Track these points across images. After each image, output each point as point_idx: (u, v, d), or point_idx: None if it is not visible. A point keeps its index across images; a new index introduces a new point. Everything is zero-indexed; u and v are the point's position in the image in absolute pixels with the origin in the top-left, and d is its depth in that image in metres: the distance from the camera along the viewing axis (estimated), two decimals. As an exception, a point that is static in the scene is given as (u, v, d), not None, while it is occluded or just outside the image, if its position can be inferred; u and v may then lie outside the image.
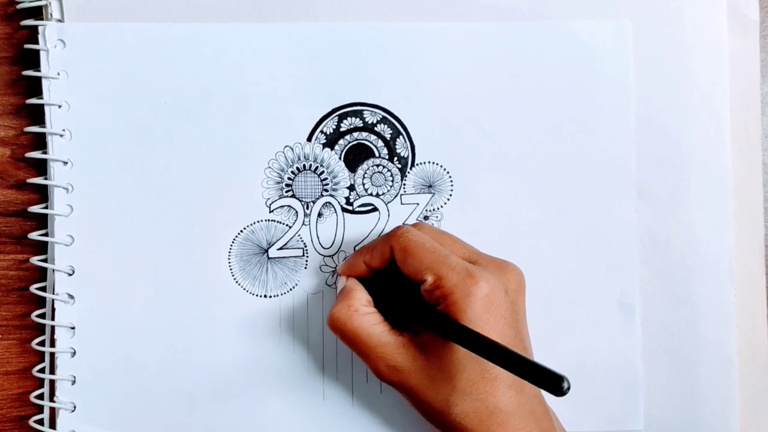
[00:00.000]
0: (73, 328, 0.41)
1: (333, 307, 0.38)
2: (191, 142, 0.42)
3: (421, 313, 0.36)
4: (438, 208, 0.43)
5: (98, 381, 0.41)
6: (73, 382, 0.41)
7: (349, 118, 0.42)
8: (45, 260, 0.42)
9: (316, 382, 0.42)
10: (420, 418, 0.37)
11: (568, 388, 0.30)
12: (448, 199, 0.43)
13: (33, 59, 0.41)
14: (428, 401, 0.36)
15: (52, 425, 0.42)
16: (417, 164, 0.43)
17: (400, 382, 0.36)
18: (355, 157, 0.42)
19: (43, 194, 0.42)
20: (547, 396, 0.40)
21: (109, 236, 0.41)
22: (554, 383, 0.30)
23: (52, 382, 0.42)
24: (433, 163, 0.43)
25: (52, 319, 0.41)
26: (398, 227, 0.38)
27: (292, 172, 0.42)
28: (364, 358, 0.37)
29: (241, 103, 0.42)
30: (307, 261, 0.42)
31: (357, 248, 0.42)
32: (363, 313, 0.37)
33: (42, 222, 0.42)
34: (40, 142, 0.42)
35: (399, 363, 0.36)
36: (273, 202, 0.42)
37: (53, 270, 0.41)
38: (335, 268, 0.42)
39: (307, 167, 0.42)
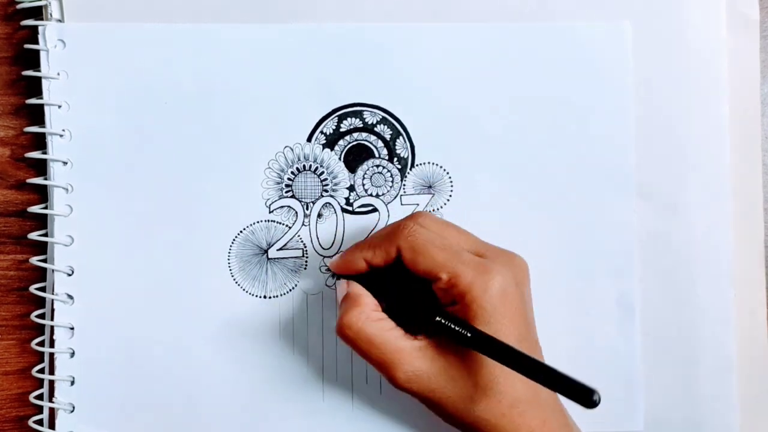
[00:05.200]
0: (72, 328, 0.41)
1: (342, 315, 0.36)
2: (191, 142, 0.42)
3: (432, 317, 0.35)
4: (438, 209, 0.43)
5: (98, 381, 0.41)
6: (73, 383, 0.41)
7: (349, 119, 0.42)
8: (44, 260, 0.42)
9: (316, 383, 0.42)
10: (419, 418, 0.37)
11: (599, 400, 0.30)
12: (448, 200, 0.43)
13: (33, 59, 0.41)
14: (450, 402, 0.35)
15: (51, 425, 0.42)
16: (417, 165, 0.43)
17: (420, 387, 0.36)
18: (355, 157, 0.42)
19: (42, 194, 0.42)
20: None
21: (109, 236, 0.41)
22: (585, 395, 0.31)
23: (51, 383, 0.42)
24: (433, 163, 0.43)
25: (52, 319, 0.41)
26: (403, 225, 0.37)
27: (292, 172, 0.42)
28: (380, 366, 0.36)
29: (241, 103, 0.42)
30: (306, 262, 0.42)
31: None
32: (375, 320, 0.36)
33: (42, 222, 0.42)
34: (40, 142, 0.42)
35: (417, 368, 0.35)
36: (273, 203, 0.42)
37: (53, 270, 0.41)
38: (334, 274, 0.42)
39: (307, 168, 0.42)
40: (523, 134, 0.43)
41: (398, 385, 0.36)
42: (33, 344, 0.42)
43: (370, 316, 0.36)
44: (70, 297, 0.41)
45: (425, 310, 0.36)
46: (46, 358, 0.42)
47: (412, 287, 0.37)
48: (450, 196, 0.43)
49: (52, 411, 0.42)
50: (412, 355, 0.35)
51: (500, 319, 0.35)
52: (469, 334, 0.34)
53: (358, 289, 0.38)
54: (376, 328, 0.36)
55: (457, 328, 0.34)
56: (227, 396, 0.42)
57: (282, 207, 0.42)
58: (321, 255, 0.42)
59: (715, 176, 0.43)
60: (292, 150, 0.42)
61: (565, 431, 0.36)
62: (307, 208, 0.42)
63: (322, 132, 0.42)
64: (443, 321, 0.35)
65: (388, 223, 0.42)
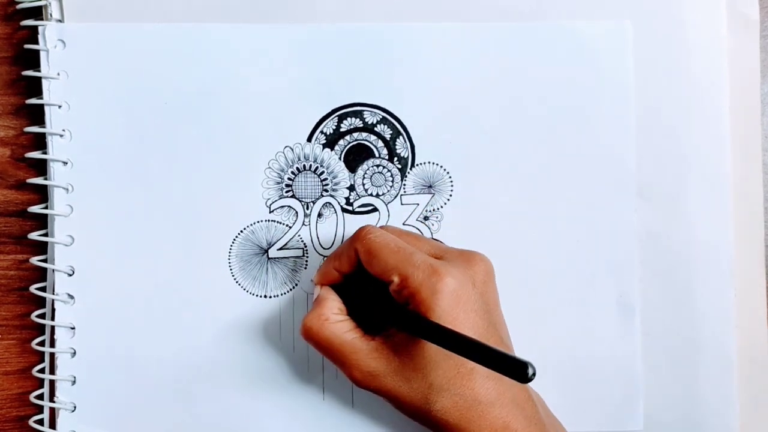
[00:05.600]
0: (73, 328, 0.41)
1: (305, 317, 0.38)
2: (191, 142, 0.42)
3: (387, 313, 0.36)
4: (438, 209, 0.43)
5: (98, 381, 0.41)
6: (73, 383, 0.41)
7: (349, 119, 0.42)
8: (45, 260, 0.42)
9: (316, 382, 0.42)
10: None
11: (534, 374, 0.30)
12: (448, 199, 0.43)
13: (33, 59, 0.41)
14: (408, 401, 0.36)
15: (52, 425, 0.42)
16: (417, 164, 0.43)
17: (377, 386, 0.36)
18: (355, 157, 0.42)
19: (43, 194, 0.42)
20: (546, 395, 0.40)
21: (109, 236, 0.41)
22: (519, 370, 0.30)
23: (52, 382, 0.42)
24: (433, 163, 0.43)
25: (52, 319, 0.41)
26: (362, 228, 0.38)
27: (292, 172, 0.42)
28: (339, 365, 0.37)
29: (241, 103, 0.42)
30: (307, 261, 0.42)
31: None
32: (334, 321, 0.37)
33: (42, 222, 0.42)
34: (40, 142, 0.42)
35: (373, 368, 0.36)
36: (273, 203, 0.42)
37: (53, 270, 0.41)
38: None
39: (307, 167, 0.42)
40: (523, 134, 0.42)
41: (356, 383, 0.37)
42: (33, 344, 0.42)
43: (329, 318, 0.37)
44: (71, 297, 0.41)
45: (380, 306, 0.37)
46: (47, 358, 0.42)
47: (371, 290, 0.38)
48: (450, 196, 0.43)
49: (52, 411, 0.42)
50: (368, 356, 0.36)
51: (451, 320, 0.35)
52: (419, 324, 0.34)
53: (325, 292, 0.39)
54: (335, 329, 0.37)
55: (407, 319, 0.35)
56: (227, 395, 0.42)
57: (282, 207, 0.42)
58: (321, 255, 0.42)
59: (716, 176, 0.43)
60: (292, 150, 0.42)
61: (532, 431, 0.36)
62: (307, 208, 0.42)
63: (322, 132, 0.42)
64: (392, 312, 0.36)
65: (388, 224, 0.42)
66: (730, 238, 0.43)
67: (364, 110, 0.42)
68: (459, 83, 0.42)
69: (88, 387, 0.41)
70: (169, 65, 0.41)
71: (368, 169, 0.43)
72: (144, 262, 0.41)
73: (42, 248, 0.42)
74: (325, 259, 0.41)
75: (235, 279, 0.42)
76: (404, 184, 0.43)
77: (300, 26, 0.42)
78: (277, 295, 0.42)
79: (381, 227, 0.40)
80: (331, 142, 0.42)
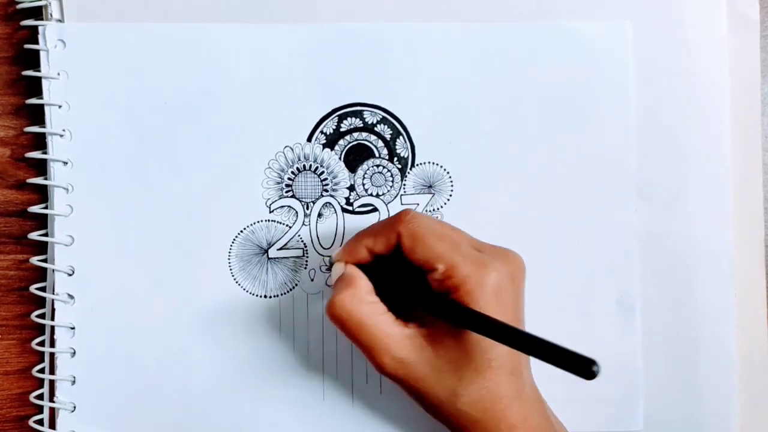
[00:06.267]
0: (72, 328, 0.41)
1: (335, 295, 0.36)
2: (191, 142, 0.42)
3: (430, 302, 0.35)
4: (438, 208, 0.43)
5: (98, 381, 0.41)
6: (73, 382, 0.41)
7: (349, 119, 0.42)
8: (45, 260, 0.42)
9: (316, 382, 0.42)
10: (419, 417, 0.37)
11: (599, 371, 0.30)
12: (448, 199, 0.43)
13: (33, 59, 0.41)
14: (433, 393, 0.35)
15: (52, 425, 0.42)
16: (417, 164, 0.43)
17: (404, 375, 0.35)
18: (355, 157, 0.42)
19: (43, 194, 0.42)
20: (546, 395, 0.40)
21: (109, 236, 0.41)
22: (585, 367, 0.30)
23: (51, 382, 0.42)
24: (433, 163, 0.43)
25: (52, 319, 0.41)
26: (405, 211, 0.37)
27: (292, 172, 0.42)
28: (368, 350, 0.35)
29: (241, 103, 0.42)
30: (307, 261, 0.42)
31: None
32: (368, 302, 0.36)
33: (42, 222, 0.42)
34: (40, 142, 0.42)
35: (405, 355, 0.35)
36: (273, 203, 0.42)
37: (53, 270, 0.41)
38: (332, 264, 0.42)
39: (307, 167, 0.42)
40: (523, 134, 0.43)
41: (384, 370, 0.35)
42: (33, 344, 0.42)
43: (363, 298, 0.36)
44: (71, 297, 0.41)
45: (418, 293, 0.36)
46: (47, 358, 0.42)
47: (407, 276, 0.37)
48: (450, 196, 0.43)
49: (52, 411, 0.42)
50: (401, 342, 0.35)
51: (492, 314, 0.34)
52: (463, 312, 0.34)
53: (353, 271, 0.37)
54: (369, 310, 0.35)
55: (451, 307, 0.34)
56: (227, 395, 0.42)
57: (282, 207, 0.42)
58: (321, 255, 0.42)
59: (716, 176, 0.43)
60: (292, 150, 0.42)
61: (545, 426, 0.36)
62: (307, 208, 0.42)
63: (322, 132, 0.42)
64: (437, 301, 0.35)
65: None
66: (730, 238, 0.43)
67: (364, 110, 0.42)
68: (459, 83, 0.42)
69: (88, 387, 0.41)
70: (169, 65, 0.41)
71: (368, 169, 0.43)
72: (144, 262, 0.41)
73: (42, 248, 0.42)
74: (355, 235, 0.39)
75: (235, 279, 0.42)
76: (404, 184, 0.43)
77: (300, 26, 0.42)
78: (277, 295, 0.42)
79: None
80: (331, 142, 0.42)
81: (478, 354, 0.35)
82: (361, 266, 0.38)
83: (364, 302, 0.36)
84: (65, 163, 0.41)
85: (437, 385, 0.35)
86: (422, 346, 0.35)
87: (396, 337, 0.35)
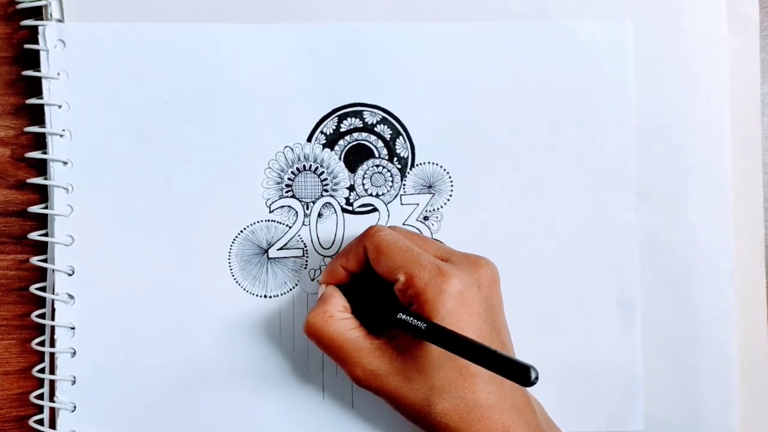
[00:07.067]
0: (73, 328, 0.41)
1: (309, 313, 0.38)
2: (191, 142, 0.42)
3: (390, 313, 0.36)
4: (438, 209, 0.43)
5: (98, 381, 0.41)
6: (73, 382, 0.41)
7: (349, 119, 0.42)
8: (45, 260, 0.42)
9: (316, 382, 0.42)
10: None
11: (536, 378, 0.30)
12: (448, 200, 0.43)
13: (33, 59, 0.41)
14: (408, 403, 0.36)
15: (52, 425, 0.42)
16: (417, 164, 0.43)
17: (378, 386, 0.36)
18: (355, 157, 0.42)
19: (43, 194, 0.42)
20: (546, 395, 0.40)
21: (109, 236, 0.41)
22: (522, 374, 0.30)
23: (52, 382, 0.42)
24: (433, 163, 0.43)
25: (52, 319, 0.41)
26: (371, 227, 0.38)
27: (292, 172, 0.42)
28: (341, 363, 0.37)
29: (241, 103, 0.42)
30: (307, 261, 0.42)
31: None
32: (338, 319, 0.37)
33: (42, 222, 0.42)
34: (40, 142, 0.42)
35: (375, 367, 0.36)
36: (273, 203, 0.42)
37: (53, 270, 0.41)
38: None
39: (307, 167, 0.42)
40: (523, 134, 0.42)
41: (358, 382, 0.37)
42: (33, 344, 0.42)
43: (333, 315, 0.37)
44: (71, 297, 0.41)
45: (384, 306, 0.37)
46: (47, 358, 0.42)
47: (377, 290, 0.38)
48: (450, 196, 0.43)
49: (52, 411, 0.42)
50: (371, 354, 0.36)
51: (455, 322, 0.35)
52: (423, 326, 0.34)
53: (330, 290, 0.39)
54: (338, 326, 0.37)
55: (411, 320, 0.35)
56: (227, 395, 0.42)
57: (282, 207, 0.42)
58: (321, 255, 0.42)
59: (716, 176, 0.43)
60: (292, 150, 0.42)
61: None
62: (307, 208, 0.42)
63: (322, 132, 0.42)
64: (400, 316, 0.35)
65: (388, 224, 0.42)
66: (730, 238, 0.43)
67: (364, 110, 0.42)
68: (459, 83, 0.42)
69: (88, 387, 0.41)
70: (169, 65, 0.41)
71: (368, 169, 0.43)
72: (144, 261, 0.41)
73: (42, 248, 0.42)
74: (332, 258, 0.41)
75: (235, 279, 0.42)
76: (404, 184, 0.43)
77: (300, 26, 0.42)
78: (277, 295, 0.42)
79: (389, 227, 0.40)
80: (331, 142, 0.42)
81: (448, 363, 0.35)
82: (342, 286, 0.39)
83: (334, 318, 0.37)
84: (65, 163, 0.41)
85: (411, 394, 0.36)
86: (393, 357, 0.36)
87: (366, 350, 0.36)
